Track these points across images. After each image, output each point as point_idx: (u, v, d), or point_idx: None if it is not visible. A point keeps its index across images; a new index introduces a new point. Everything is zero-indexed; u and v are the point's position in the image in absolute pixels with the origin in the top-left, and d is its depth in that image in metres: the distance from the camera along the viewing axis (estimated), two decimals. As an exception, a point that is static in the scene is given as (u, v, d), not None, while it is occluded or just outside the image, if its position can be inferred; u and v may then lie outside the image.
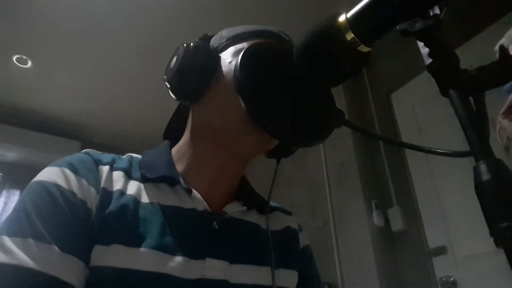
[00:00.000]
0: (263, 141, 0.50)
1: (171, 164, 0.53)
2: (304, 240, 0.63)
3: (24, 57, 2.37)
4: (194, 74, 0.50)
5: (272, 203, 0.63)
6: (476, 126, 0.27)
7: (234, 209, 0.53)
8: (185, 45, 0.52)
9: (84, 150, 0.51)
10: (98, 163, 0.49)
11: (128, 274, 0.40)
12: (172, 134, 0.61)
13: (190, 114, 0.57)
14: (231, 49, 0.52)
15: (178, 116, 0.62)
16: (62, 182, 0.43)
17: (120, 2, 2.04)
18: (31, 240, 0.38)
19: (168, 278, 0.42)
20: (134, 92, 2.74)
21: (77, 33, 2.21)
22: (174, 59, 0.52)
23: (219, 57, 0.52)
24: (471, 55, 1.53)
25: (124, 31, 2.22)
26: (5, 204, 2.85)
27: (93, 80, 2.61)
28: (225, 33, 0.55)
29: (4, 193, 2.89)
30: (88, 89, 2.70)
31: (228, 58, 0.51)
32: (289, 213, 0.65)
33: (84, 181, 0.45)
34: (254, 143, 0.50)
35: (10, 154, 2.93)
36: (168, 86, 0.52)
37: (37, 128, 2.95)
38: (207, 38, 0.56)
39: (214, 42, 0.55)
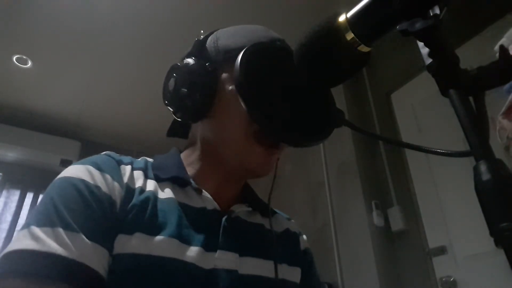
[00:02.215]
0: (265, 155, 0.51)
1: (181, 166, 0.55)
2: (304, 243, 0.66)
3: (24, 57, 2.37)
4: (196, 97, 0.51)
5: (273, 209, 0.65)
6: (476, 126, 0.27)
7: (240, 209, 0.56)
8: (180, 66, 0.53)
9: (104, 152, 0.54)
10: (119, 163, 0.51)
11: (148, 259, 0.42)
12: (176, 131, 0.64)
13: (194, 130, 0.59)
14: (230, 66, 0.50)
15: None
16: (87, 177, 0.45)
17: (120, 3, 2.04)
18: (60, 230, 0.39)
19: (185, 265, 0.44)
20: (134, 92, 2.74)
21: (77, 33, 2.21)
22: (172, 81, 0.54)
23: (220, 76, 0.53)
24: (471, 55, 1.53)
25: (124, 31, 2.22)
26: (5, 204, 2.83)
27: (93, 80, 2.61)
28: (222, 42, 0.54)
29: (4, 193, 2.87)
30: (88, 89, 2.69)
31: (228, 82, 0.52)
32: (289, 219, 0.69)
33: (108, 176, 0.47)
34: (256, 157, 0.51)
35: (10, 154, 2.92)
36: (171, 110, 0.55)
37: (37, 128, 2.95)
38: (202, 49, 0.55)
39: (210, 51, 0.54)
